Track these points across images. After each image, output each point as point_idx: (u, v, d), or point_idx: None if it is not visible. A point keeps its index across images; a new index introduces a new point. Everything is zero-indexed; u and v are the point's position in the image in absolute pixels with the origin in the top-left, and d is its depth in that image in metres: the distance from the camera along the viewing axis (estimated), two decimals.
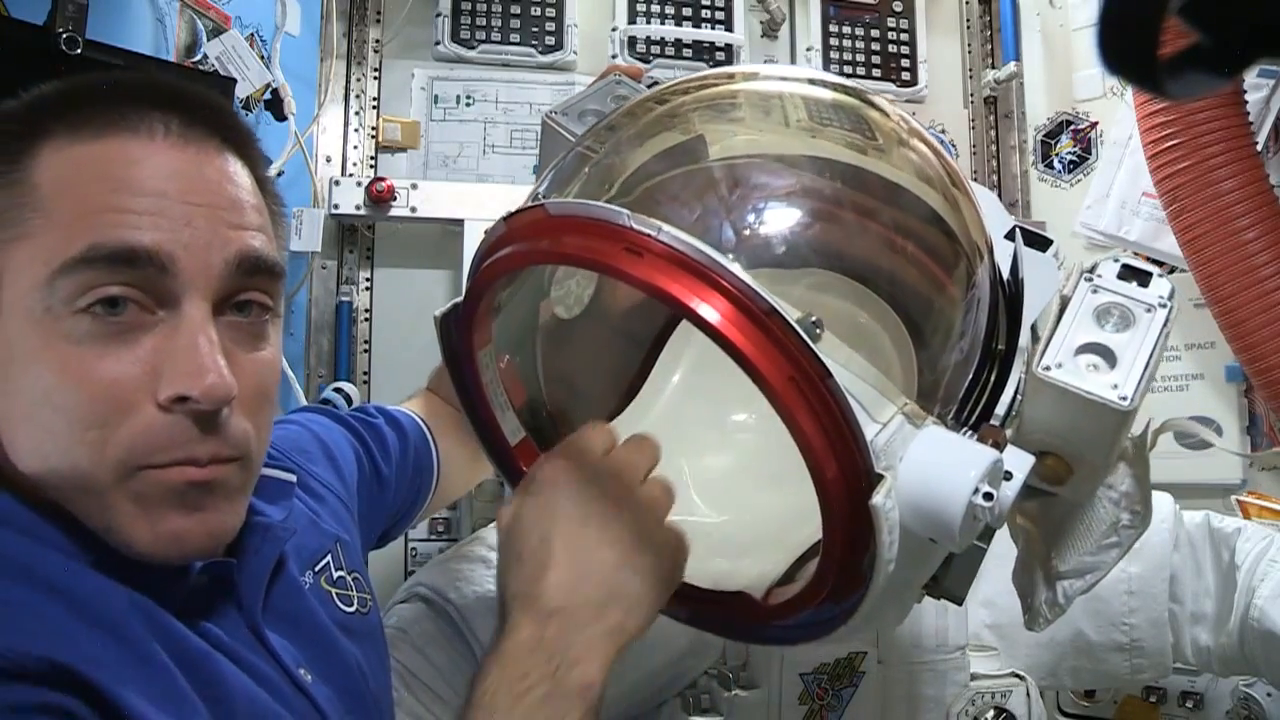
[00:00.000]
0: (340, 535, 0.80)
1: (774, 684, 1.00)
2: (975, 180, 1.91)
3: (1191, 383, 1.59)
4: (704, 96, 0.79)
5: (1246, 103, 1.36)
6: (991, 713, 1.10)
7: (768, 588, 0.72)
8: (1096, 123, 1.77)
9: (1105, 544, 0.78)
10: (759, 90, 0.83)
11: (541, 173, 0.81)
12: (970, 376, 0.71)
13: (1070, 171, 1.80)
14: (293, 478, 0.76)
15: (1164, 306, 0.70)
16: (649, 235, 0.58)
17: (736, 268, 0.57)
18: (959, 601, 0.74)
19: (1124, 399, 0.65)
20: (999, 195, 1.90)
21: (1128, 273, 0.72)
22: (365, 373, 1.57)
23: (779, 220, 0.72)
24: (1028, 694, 1.11)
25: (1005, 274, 0.77)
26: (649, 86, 0.93)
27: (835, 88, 0.80)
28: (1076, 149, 1.79)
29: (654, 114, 0.78)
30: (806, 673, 1.01)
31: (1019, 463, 0.64)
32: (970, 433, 0.66)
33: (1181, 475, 1.52)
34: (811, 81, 0.82)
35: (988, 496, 0.57)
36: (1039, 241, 0.81)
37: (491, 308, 0.75)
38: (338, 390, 1.47)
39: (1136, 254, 1.66)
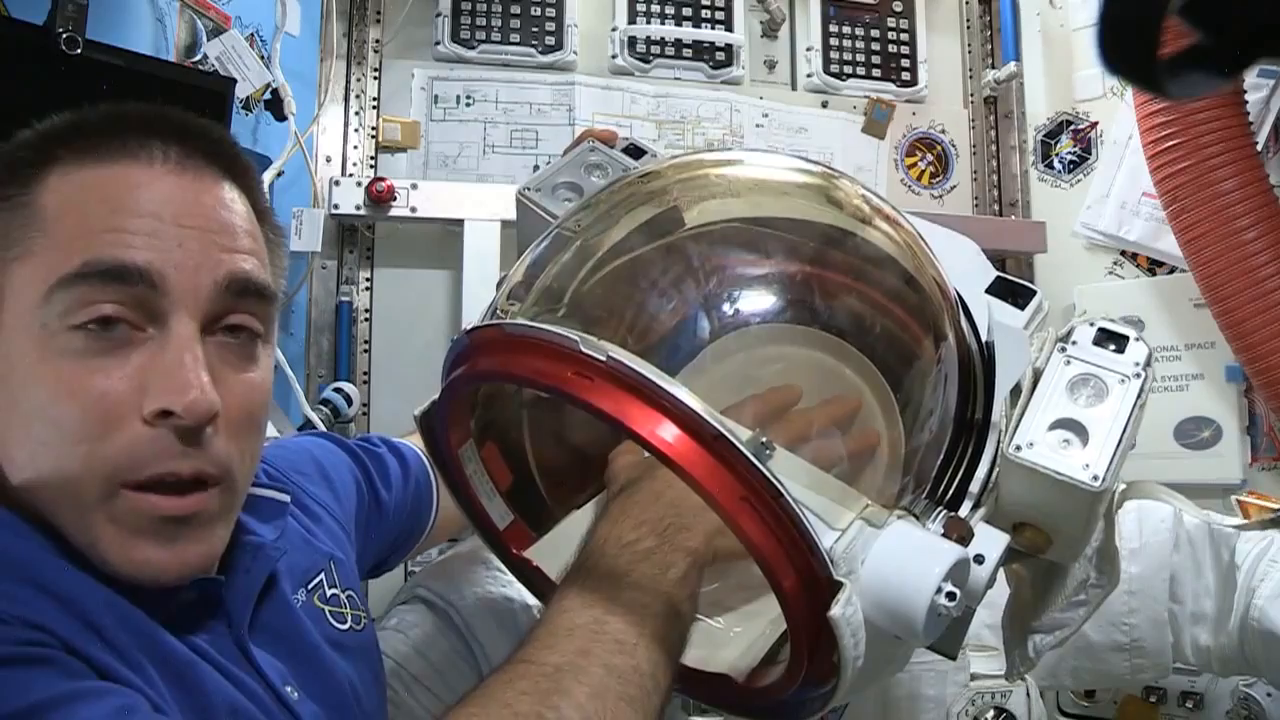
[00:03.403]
0: (334, 553, 0.80)
1: None
2: (975, 180, 1.91)
3: (1191, 383, 1.59)
4: (683, 179, 0.81)
5: (1246, 103, 1.36)
6: (991, 713, 1.10)
7: (750, 669, 0.72)
8: (1096, 123, 1.77)
9: (1074, 601, 0.78)
10: (735, 175, 0.84)
11: (520, 253, 0.82)
12: (943, 453, 0.71)
13: (1070, 171, 1.80)
14: (286, 497, 0.76)
15: (1138, 376, 0.69)
16: (597, 360, 0.59)
17: (683, 392, 0.57)
18: (952, 658, 0.73)
19: (1095, 479, 0.64)
20: (999, 195, 1.90)
21: (1104, 337, 0.70)
22: (365, 373, 1.57)
23: (757, 281, 0.73)
24: (1028, 694, 1.11)
25: (985, 335, 0.76)
26: (624, 150, 0.91)
27: (807, 172, 0.82)
28: (1076, 149, 1.80)
29: (629, 195, 0.79)
30: None
31: (992, 544, 0.63)
32: (942, 512, 0.66)
33: (1181, 475, 1.52)
34: (787, 168, 0.83)
35: (950, 596, 0.57)
36: (1022, 292, 0.79)
37: (467, 409, 0.76)
38: (338, 390, 1.48)
39: (1138, 256, 1.67)
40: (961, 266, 0.79)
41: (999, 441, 0.69)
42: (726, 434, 0.56)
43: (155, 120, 0.63)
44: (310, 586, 0.75)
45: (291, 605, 0.71)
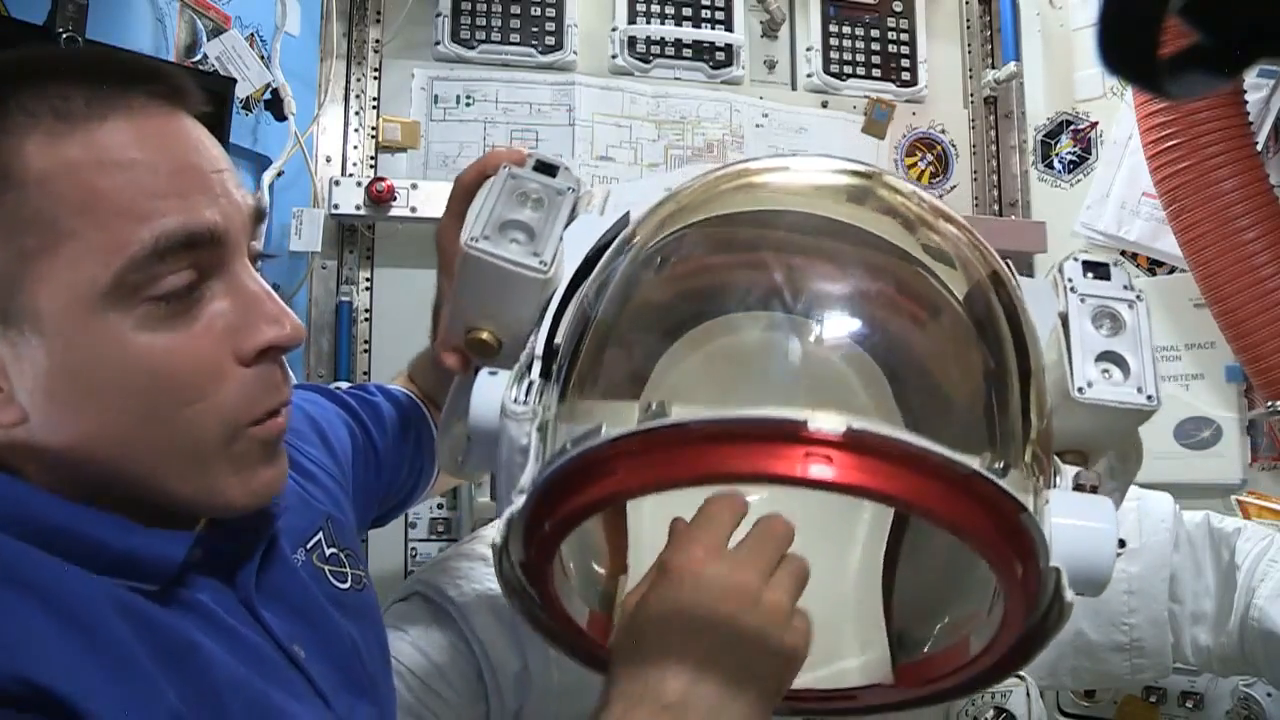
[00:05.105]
0: (331, 512, 0.80)
1: None
2: (975, 180, 1.91)
3: (1191, 383, 1.59)
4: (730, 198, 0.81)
5: (1246, 103, 1.36)
6: (991, 713, 1.10)
7: (882, 667, 0.75)
8: (1096, 123, 1.77)
9: None
10: (792, 183, 0.85)
11: (460, 310, 0.76)
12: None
13: (1070, 171, 1.80)
14: None
15: (1140, 299, 0.75)
16: (831, 437, 0.55)
17: (933, 445, 0.55)
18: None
19: (1150, 399, 0.71)
20: (999, 195, 1.90)
21: (1088, 268, 0.77)
22: (365, 373, 1.57)
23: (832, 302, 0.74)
24: (1028, 694, 1.12)
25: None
26: (534, 168, 0.78)
27: (854, 174, 0.82)
28: (1076, 149, 1.80)
29: (656, 260, 0.77)
30: None
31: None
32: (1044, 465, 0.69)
33: (1181, 475, 1.52)
34: (836, 171, 0.83)
35: (1122, 543, 0.62)
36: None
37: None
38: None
39: (1126, 254, 1.67)
40: None
41: (1044, 385, 0.73)
42: (980, 472, 0.57)
43: (115, 67, 0.59)
44: (309, 546, 0.75)
45: (292, 565, 0.71)
